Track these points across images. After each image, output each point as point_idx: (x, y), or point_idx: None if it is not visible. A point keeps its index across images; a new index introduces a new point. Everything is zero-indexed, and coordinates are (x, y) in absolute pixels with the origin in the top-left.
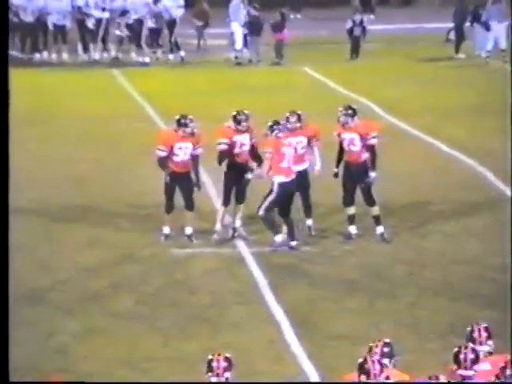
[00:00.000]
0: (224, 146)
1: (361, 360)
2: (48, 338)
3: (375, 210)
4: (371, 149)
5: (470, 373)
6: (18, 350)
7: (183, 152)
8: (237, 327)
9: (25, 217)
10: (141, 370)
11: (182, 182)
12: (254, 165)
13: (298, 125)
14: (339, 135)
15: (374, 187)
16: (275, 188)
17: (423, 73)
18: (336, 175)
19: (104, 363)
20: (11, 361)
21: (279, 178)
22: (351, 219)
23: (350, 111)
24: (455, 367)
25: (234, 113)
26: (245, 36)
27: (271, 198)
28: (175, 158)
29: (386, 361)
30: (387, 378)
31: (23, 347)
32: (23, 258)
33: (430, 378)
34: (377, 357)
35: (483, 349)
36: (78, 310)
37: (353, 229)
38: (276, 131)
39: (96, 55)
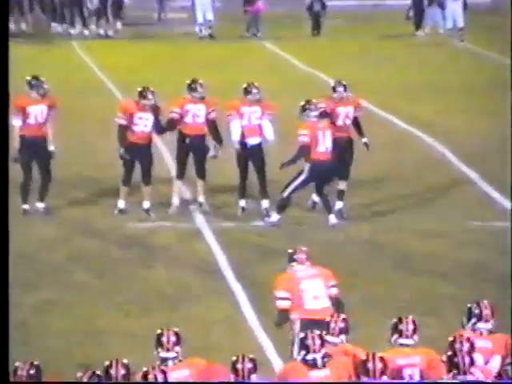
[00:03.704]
0: (174, 115)
1: (301, 335)
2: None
3: (343, 185)
4: (356, 120)
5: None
6: None
7: (143, 123)
8: (194, 302)
9: None
10: (98, 344)
11: (140, 154)
12: (212, 144)
13: (258, 97)
14: (333, 110)
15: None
16: (307, 170)
17: (384, 50)
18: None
19: (62, 337)
20: None
21: (314, 161)
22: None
23: (342, 87)
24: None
25: (188, 81)
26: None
27: (301, 179)
28: (135, 128)
29: (342, 337)
30: (327, 353)
31: None
32: None
33: (367, 355)
34: (317, 332)
35: (486, 326)
36: (35, 283)
37: (317, 198)
38: (307, 112)
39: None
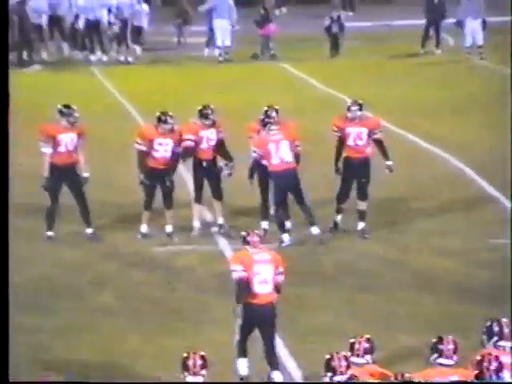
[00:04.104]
0: (190, 143)
1: (327, 357)
2: (28, 335)
3: (364, 205)
4: (379, 142)
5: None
6: None
7: (163, 148)
8: (217, 324)
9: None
10: (121, 366)
11: (161, 179)
12: (222, 163)
13: (276, 119)
14: (342, 130)
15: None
16: (273, 184)
17: (399, 68)
18: (338, 171)
19: (84, 359)
20: None
21: (272, 173)
22: (339, 210)
23: (357, 106)
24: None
25: (200, 107)
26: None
27: (273, 193)
28: (155, 154)
29: (367, 357)
30: (353, 375)
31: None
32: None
33: (395, 375)
34: (343, 353)
35: (508, 344)
36: (57, 306)
37: (338, 218)
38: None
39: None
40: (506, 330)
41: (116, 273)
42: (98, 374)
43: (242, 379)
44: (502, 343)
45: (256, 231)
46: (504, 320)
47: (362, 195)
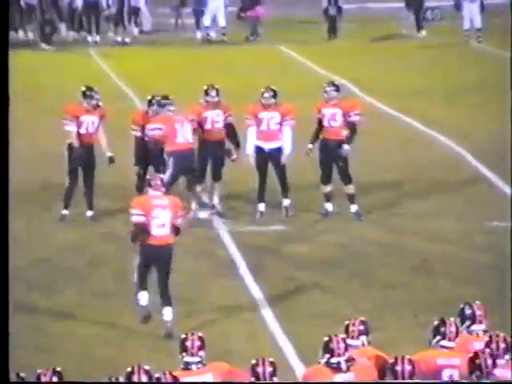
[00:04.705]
0: (192, 123)
1: (326, 339)
2: (26, 316)
3: (350, 188)
4: (352, 126)
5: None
6: None
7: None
8: (213, 306)
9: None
10: (119, 347)
11: (155, 160)
12: (231, 147)
13: (273, 101)
14: (319, 111)
15: (350, 165)
16: (172, 163)
17: (397, 51)
18: (310, 151)
19: (83, 342)
20: None
21: (175, 152)
22: (328, 197)
23: (333, 87)
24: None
25: (205, 87)
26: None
27: (169, 174)
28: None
29: (362, 338)
30: (351, 357)
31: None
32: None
33: (395, 358)
34: (342, 336)
35: (480, 328)
36: (55, 288)
37: (329, 206)
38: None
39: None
40: (479, 313)
41: (113, 255)
42: (97, 355)
43: (143, 310)
44: (474, 327)
45: (159, 175)
46: (477, 303)
47: (344, 178)
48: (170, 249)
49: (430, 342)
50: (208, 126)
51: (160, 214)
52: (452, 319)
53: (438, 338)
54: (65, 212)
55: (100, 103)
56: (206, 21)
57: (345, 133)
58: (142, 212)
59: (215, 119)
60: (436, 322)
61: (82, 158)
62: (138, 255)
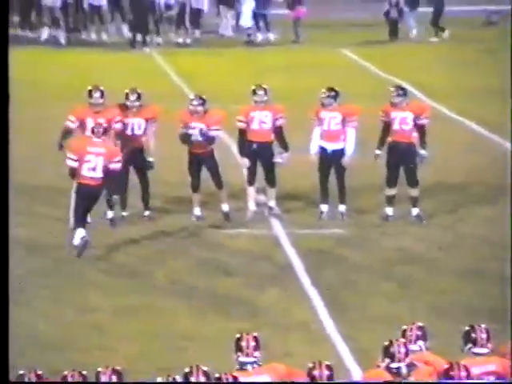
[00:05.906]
0: (240, 124)
1: (386, 343)
2: (83, 314)
3: (415, 191)
4: (422, 128)
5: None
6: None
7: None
8: (271, 308)
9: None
10: (176, 349)
11: (204, 160)
12: (278, 150)
13: (332, 101)
14: (388, 115)
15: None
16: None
17: (458, 55)
18: (378, 157)
19: (140, 341)
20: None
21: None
22: (390, 200)
23: (401, 91)
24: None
25: (253, 86)
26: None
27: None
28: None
29: (420, 343)
30: (412, 362)
31: (57, 322)
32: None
33: (451, 364)
34: (403, 340)
35: (481, 351)
36: (112, 286)
37: (390, 210)
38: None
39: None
40: (483, 336)
41: (171, 255)
42: (154, 355)
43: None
44: (475, 350)
45: (100, 120)
46: (482, 326)
47: (412, 181)
48: (99, 189)
49: (462, 350)
50: (255, 126)
51: (92, 159)
52: (483, 325)
53: (470, 345)
54: (124, 213)
55: (143, 105)
56: (242, 21)
57: (414, 136)
58: (75, 157)
59: (263, 120)
60: (465, 329)
61: (129, 160)
62: (74, 192)
